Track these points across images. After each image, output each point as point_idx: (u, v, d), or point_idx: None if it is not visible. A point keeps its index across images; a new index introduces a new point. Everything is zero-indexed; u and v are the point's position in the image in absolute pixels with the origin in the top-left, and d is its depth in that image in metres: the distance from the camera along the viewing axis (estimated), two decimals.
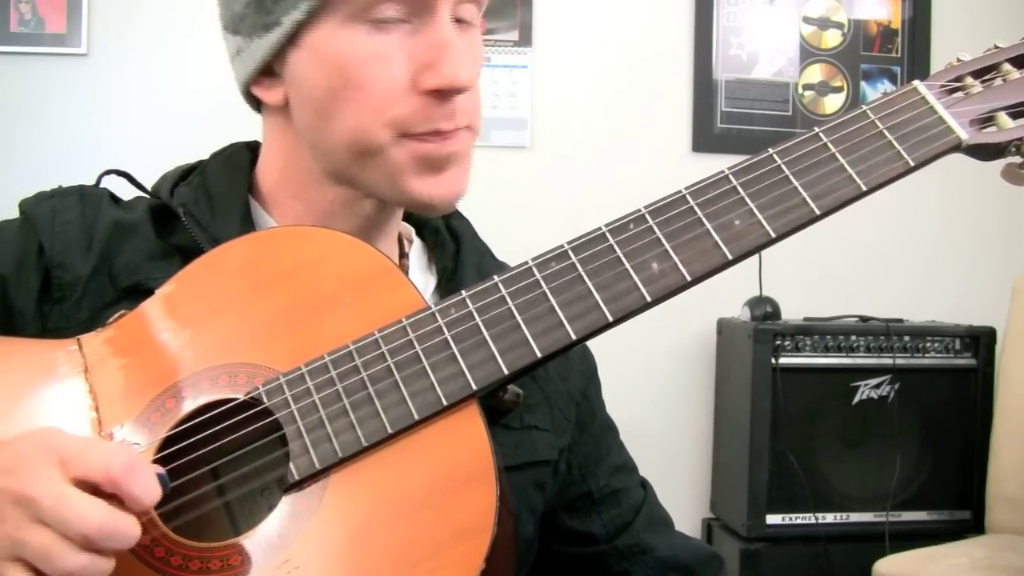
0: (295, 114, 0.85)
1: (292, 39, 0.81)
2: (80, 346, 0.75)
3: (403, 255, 0.94)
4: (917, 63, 2.90)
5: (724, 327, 2.72)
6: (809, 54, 2.91)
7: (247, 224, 0.86)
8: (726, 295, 2.59)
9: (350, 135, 0.81)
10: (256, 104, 0.90)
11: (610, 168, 2.80)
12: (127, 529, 0.60)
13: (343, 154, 0.83)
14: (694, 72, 2.87)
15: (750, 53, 2.89)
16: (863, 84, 2.93)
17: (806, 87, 2.91)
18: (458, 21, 0.82)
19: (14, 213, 0.87)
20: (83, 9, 2.68)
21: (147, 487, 0.61)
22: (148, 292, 0.77)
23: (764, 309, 2.57)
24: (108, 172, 0.92)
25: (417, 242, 0.97)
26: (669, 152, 2.84)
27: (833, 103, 2.92)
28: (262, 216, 0.89)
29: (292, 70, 0.82)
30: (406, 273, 0.84)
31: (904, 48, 2.93)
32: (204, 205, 0.87)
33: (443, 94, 0.79)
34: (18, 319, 0.81)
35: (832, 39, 2.93)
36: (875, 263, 2.90)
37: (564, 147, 2.83)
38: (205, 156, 0.95)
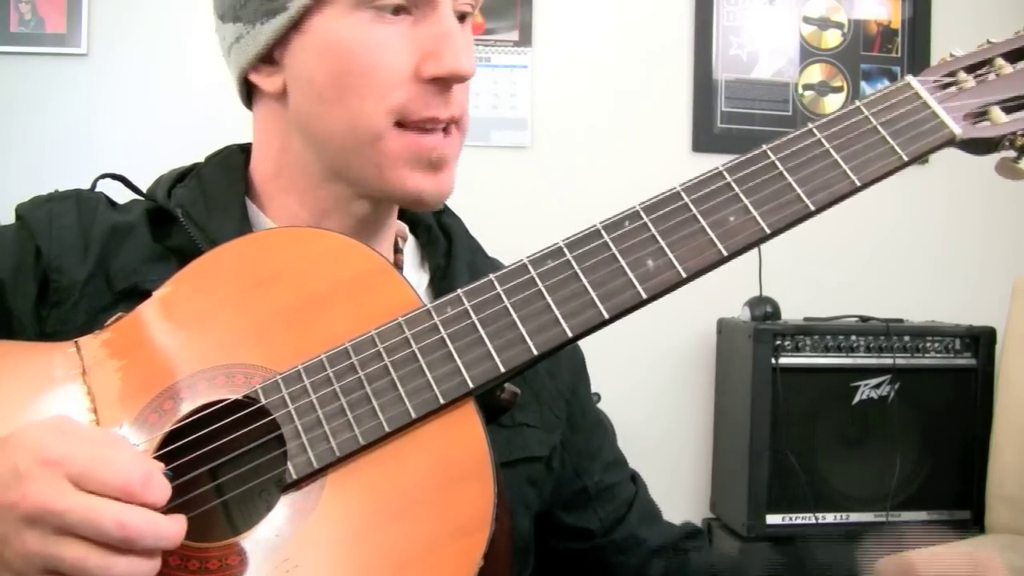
0: (292, 101, 0.85)
1: (297, 25, 0.82)
2: (78, 348, 0.75)
3: (397, 251, 0.95)
4: (917, 63, 2.89)
5: (724, 327, 2.71)
6: (809, 54, 2.91)
7: (244, 224, 0.87)
8: (726, 295, 2.59)
9: (349, 122, 0.82)
10: (248, 98, 0.91)
11: (610, 168, 2.80)
12: (171, 527, 0.61)
13: (339, 143, 0.84)
14: (694, 72, 2.87)
15: (750, 53, 2.89)
16: (863, 84, 2.92)
17: (806, 87, 2.91)
18: (458, 14, 0.83)
19: (12, 212, 0.88)
20: (83, 9, 2.68)
21: (162, 492, 0.62)
22: (145, 294, 0.77)
23: (764, 309, 2.57)
24: (104, 176, 0.93)
25: (411, 239, 0.98)
26: (669, 152, 2.83)
27: (833, 103, 2.91)
28: (258, 216, 0.90)
29: (294, 56, 0.84)
30: (400, 270, 0.84)
31: (904, 48, 2.93)
32: (201, 206, 0.87)
33: (443, 82, 0.81)
34: (16, 323, 0.82)
35: (832, 39, 2.92)
36: (875, 263, 2.89)
37: (564, 147, 2.83)
38: (205, 155, 0.95)
